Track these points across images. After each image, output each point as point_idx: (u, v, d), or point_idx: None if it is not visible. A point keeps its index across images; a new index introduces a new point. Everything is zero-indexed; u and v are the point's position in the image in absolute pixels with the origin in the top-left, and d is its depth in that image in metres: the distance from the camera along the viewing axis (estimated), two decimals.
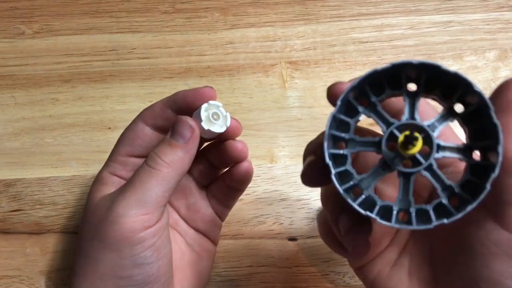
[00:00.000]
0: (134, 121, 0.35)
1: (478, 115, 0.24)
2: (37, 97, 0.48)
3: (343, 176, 0.25)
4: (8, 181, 0.45)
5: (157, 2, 0.52)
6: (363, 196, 0.25)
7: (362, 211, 0.24)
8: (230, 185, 0.38)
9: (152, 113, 0.35)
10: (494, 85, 0.48)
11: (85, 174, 0.45)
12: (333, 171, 0.24)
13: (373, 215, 0.24)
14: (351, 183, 0.25)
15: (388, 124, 0.25)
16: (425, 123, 0.25)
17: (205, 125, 0.33)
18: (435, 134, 0.24)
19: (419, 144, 0.23)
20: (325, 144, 0.24)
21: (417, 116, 0.25)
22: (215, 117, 0.34)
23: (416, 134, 0.23)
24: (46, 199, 0.44)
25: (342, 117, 0.26)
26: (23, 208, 0.44)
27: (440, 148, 0.25)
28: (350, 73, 0.49)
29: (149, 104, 0.47)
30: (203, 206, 0.38)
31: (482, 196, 0.22)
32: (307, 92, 0.48)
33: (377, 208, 0.25)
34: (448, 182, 0.24)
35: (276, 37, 0.50)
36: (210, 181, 0.39)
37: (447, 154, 0.25)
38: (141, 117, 0.35)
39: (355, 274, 0.41)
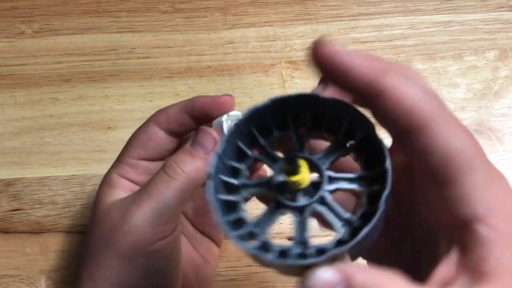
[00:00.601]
0: (147, 123, 0.34)
1: (368, 141, 0.23)
2: (37, 97, 0.48)
3: (239, 222, 0.23)
4: (8, 180, 0.45)
5: (157, 2, 0.52)
6: (257, 243, 0.22)
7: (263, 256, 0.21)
8: None
9: (167, 117, 0.34)
10: (494, 85, 0.48)
11: (85, 173, 0.45)
12: (221, 220, 0.22)
13: (271, 258, 0.21)
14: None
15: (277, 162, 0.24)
16: (315, 156, 0.23)
17: (227, 132, 0.32)
18: (325, 167, 0.23)
19: (304, 172, 0.22)
20: (210, 190, 0.22)
21: (306, 152, 0.24)
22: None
23: (301, 161, 0.22)
24: (46, 198, 0.44)
25: (233, 163, 0.24)
26: (23, 207, 0.44)
27: (332, 179, 0.23)
28: None
29: (149, 104, 0.48)
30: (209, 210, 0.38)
31: (375, 219, 0.21)
32: None
33: (275, 253, 0.22)
34: (346, 215, 0.23)
35: (276, 37, 0.51)
36: None
37: (342, 185, 0.23)
38: (155, 119, 0.34)
39: None
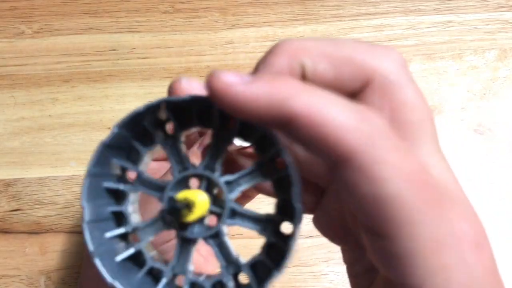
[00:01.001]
0: None
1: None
2: (36, 97, 0.48)
3: (121, 217, 0.21)
4: (8, 180, 0.45)
5: (156, 2, 0.52)
6: (131, 251, 0.20)
7: (108, 278, 0.19)
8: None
9: None
10: (493, 85, 0.48)
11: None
12: (85, 206, 0.20)
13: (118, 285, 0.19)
14: (124, 230, 0.21)
15: (182, 167, 0.20)
16: (225, 178, 0.20)
17: None
18: (233, 195, 0.20)
19: (196, 213, 0.19)
20: (90, 167, 0.20)
21: (218, 166, 0.20)
22: None
23: (191, 201, 0.19)
24: (46, 198, 0.44)
25: (135, 143, 0.21)
26: (23, 207, 0.44)
27: (235, 214, 0.20)
28: None
29: None
30: None
31: (270, 281, 0.19)
32: None
33: (144, 269, 0.20)
34: (235, 256, 0.20)
35: (276, 37, 0.51)
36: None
37: (242, 223, 0.20)
38: None
39: None
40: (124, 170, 0.21)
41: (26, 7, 0.52)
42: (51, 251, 0.43)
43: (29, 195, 0.44)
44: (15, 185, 0.45)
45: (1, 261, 0.42)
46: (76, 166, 0.45)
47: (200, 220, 0.20)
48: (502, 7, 0.52)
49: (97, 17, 0.51)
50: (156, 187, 0.20)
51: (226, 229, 0.20)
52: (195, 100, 0.19)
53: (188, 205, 0.19)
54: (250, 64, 0.49)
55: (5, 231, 0.43)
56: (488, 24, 0.51)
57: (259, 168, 0.20)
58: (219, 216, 0.20)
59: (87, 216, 0.20)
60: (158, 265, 0.20)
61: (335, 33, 0.51)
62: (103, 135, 0.46)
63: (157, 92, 0.48)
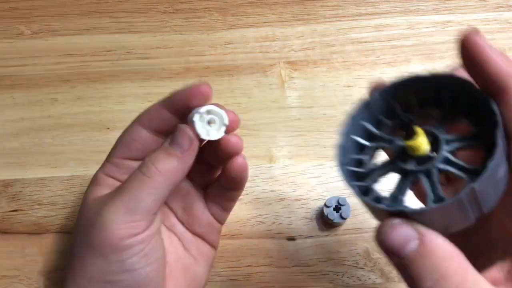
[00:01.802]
0: (132, 124, 0.35)
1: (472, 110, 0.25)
2: (36, 97, 0.48)
3: (360, 162, 0.27)
4: (7, 181, 0.45)
5: (156, 2, 0.52)
6: (367, 183, 0.26)
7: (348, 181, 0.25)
8: (226, 185, 0.37)
9: (149, 116, 0.34)
10: None
11: (84, 174, 0.45)
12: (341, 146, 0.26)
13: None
14: (363, 170, 0.27)
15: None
16: (446, 136, 0.25)
17: (203, 135, 0.32)
18: (448, 148, 0.24)
19: (419, 140, 0.24)
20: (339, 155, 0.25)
21: (441, 129, 0.25)
22: (210, 123, 0.32)
23: (417, 128, 0.24)
24: (45, 199, 0.44)
25: (380, 117, 0.27)
26: (22, 208, 0.44)
27: (449, 162, 0.24)
28: (348, 73, 0.49)
29: (148, 104, 0.47)
30: (200, 209, 0.37)
31: (496, 153, 0.22)
32: (306, 92, 0.48)
33: (371, 196, 0.25)
34: (470, 167, 0.24)
35: (275, 37, 0.51)
36: (207, 182, 0.38)
37: (452, 169, 0.24)
38: (138, 119, 0.34)
39: (353, 274, 0.41)
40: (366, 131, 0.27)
41: (25, 7, 0.52)
42: (50, 252, 0.43)
43: (29, 195, 0.44)
44: (15, 186, 0.45)
45: (0, 262, 0.42)
46: (75, 166, 0.45)
47: (423, 158, 0.25)
48: (501, 7, 0.52)
49: (96, 17, 0.51)
50: (388, 141, 0.27)
51: (436, 171, 0.24)
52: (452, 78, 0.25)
53: (416, 136, 0.24)
54: (250, 65, 0.49)
55: (5, 232, 0.43)
56: (487, 24, 0.51)
57: (472, 137, 0.25)
58: (437, 148, 0.25)
59: (341, 157, 0.26)
60: (381, 194, 0.26)
61: (334, 33, 0.51)
62: (103, 135, 0.47)
63: (157, 92, 0.48)
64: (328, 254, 0.42)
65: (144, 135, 0.34)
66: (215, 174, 0.38)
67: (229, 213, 0.39)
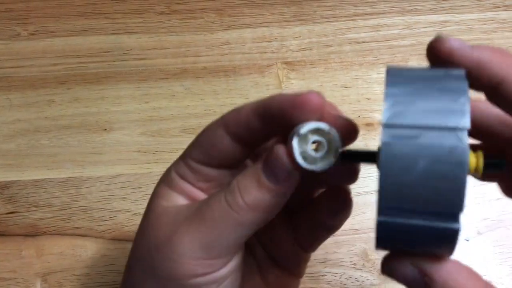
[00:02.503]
0: (214, 125, 0.27)
1: None
2: (32, 99, 0.48)
3: None
4: (3, 183, 0.45)
5: (153, 3, 0.52)
6: None
7: None
8: (319, 218, 0.29)
9: (237, 122, 0.26)
10: None
11: (80, 175, 0.45)
12: None
13: None
14: None
15: None
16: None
17: (304, 164, 0.23)
18: None
19: None
20: None
21: None
22: (316, 147, 0.24)
23: None
24: (42, 201, 0.44)
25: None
26: (19, 210, 0.44)
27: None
28: (346, 73, 0.49)
29: (145, 105, 0.48)
30: (282, 236, 0.30)
31: None
32: None
33: None
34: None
35: (272, 38, 0.50)
36: (295, 204, 0.29)
37: None
38: (223, 122, 0.27)
39: (351, 275, 0.41)
40: None
41: (21, 9, 0.52)
42: (47, 254, 0.42)
43: (25, 197, 0.44)
44: (11, 188, 0.45)
45: None
46: (72, 168, 0.45)
47: None
48: (498, 6, 0.52)
49: (93, 18, 0.51)
50: None
51: None
52: None
53: None
54: (247, 65, 0.49)
55: (1, 234, 0.43)
56: (484, 24, 0.51)
57: None
58: None
59: None
60: None
61: (331, 33, 0.51)
62: (100, 137, 0.46)
63: (154, 93, 0.48)
64: (326, 255, 0.42)
65: (227, 143, 0.27)
66: (307, 196, 0.31)
67: (321, 242, 0.31)
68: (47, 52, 0.50)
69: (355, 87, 0.48)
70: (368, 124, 0.47)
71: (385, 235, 0.20)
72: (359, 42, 0.50)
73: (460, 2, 0.52)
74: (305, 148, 0.23)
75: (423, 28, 0.51)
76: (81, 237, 0.43)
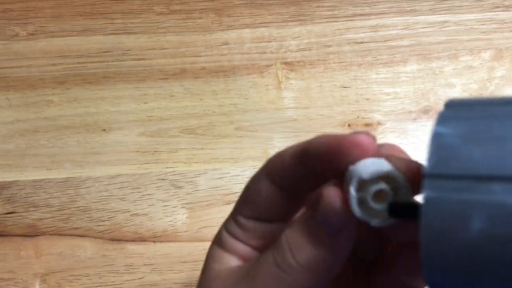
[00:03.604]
0: (258, 175, 0.24)
1: None
2: (31, 99, 0.48)
3: None
4: (2, 183, 0.45)
5: (152, 3, 0.52)
6: None
7: None
8: (396, 276, 0.24)
9: (282, 167, 0.23)
10: (489, 85, 0.48)
11: (79, 176, 0.45)
12: None
13: None
14: None
15: None
16: None
17: (360, 214, 0.19)
18: None
19: None
20: None
21: None
22: (379, 197, 0.19)
23: None
24: (41, 201, 0.44)
25: None
26: (17, 210, 0.44)
27: None
28: (345, 73, 0.49)
29: (144, 105, 0.48)
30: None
31: None
32: (303, 93, 0.48)
33: None
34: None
35: (271, 38, 0.50)
36: (369, 255, 0.26)
37: None
38: (267, 171, 0.24)
39: None
40: None
41: (20, 9, 0.52)
42: (46, 254, 0.42)
43: (24, 197, 0.44)
44: (10, 188, 0.45)
45: None
46: (71, 168, 0.45)
47: None
48: (497, 7, 0.52)
49: (91, 18, 0.51)
50: None
51: None
52: None
53: None
54: (246, 65, 0.49)
55: (0, 234, 0.43)
56: (483, 24, 0.51)
57: None
58: None
59: None
60: None
61: (330, 33, 0.50)
62: (98, 137, 0.46)
63: (153, 93, 0.48)
64: None
65: (273, 193, 0.23)
66: (382, 248, 0.26)
67: None
68: (46, 52, 0.50)
69: (354, 87, 0.48)
70: (368, 125, 0.47)
71: None
72: (358, 43, 0.50)
73: (459, 2, 0.52)
74: (364, 195, 0.19)
75: (422, 28, 0.51)
76: (80, 237, 0.43)
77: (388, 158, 0.20)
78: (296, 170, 0.22)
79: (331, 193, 0.20)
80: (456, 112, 0.16)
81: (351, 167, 0.19)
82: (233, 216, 0.25)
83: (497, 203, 0.14)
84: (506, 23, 0.51)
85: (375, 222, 0.19)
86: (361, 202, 0.19)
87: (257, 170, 0.24)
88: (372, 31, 0.51)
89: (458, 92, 0.48)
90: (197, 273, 0.26)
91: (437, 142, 0.16)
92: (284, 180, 0.23)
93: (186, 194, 0.44)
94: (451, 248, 0.15)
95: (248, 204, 0.24)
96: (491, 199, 0.14)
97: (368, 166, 0.19)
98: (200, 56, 0.50)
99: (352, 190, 0.19)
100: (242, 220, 0.25)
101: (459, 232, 0.14)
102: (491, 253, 0.14)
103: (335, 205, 0.20)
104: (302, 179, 0.22)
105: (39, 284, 0.42)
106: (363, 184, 0.19)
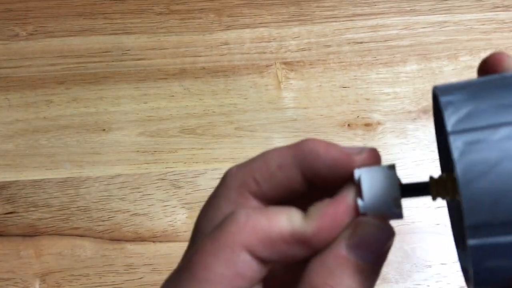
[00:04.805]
0: (230, 248, 0.19)
1: None
2: (31, 99, 0.48)
3: None
4: (2, 183, 0.45)
5: (151, 4, 0.52)
6: None
7: None
8: None
9: (269, 176, 0.21)
10: None
11: (79, 176, 0.45)
12: None
13: None
14: None
15: None
16: None
17: (400, 212, 0.19)
18: None
19: None
20: None
21: None
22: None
23: None
24: (40, 201, 0.44)
25: None
26: (17, 210, 0.44)
27: None
28: (345, 73, 0.49)
29: (143, 105, 0.48)
30: None
31: None
32: (302, 93, 0.48)
33: None
34: None
35: (271, 38, 0.50)
36: None
37: None
38: (243, 242, 0.19)
39: None
40: None
41: (20, 9, 0.52)
42: (46, 254, 0.42)
43: (24, 197, 0.44)
44: (10, 188, 0.44)
45: None
46: (70, 168, 0.45)
47: None
48: (497, 7, 0.52)
49: (91, 19, 0.51)
50: None
51: None
52: None
53: None
54: (246, 65, 0.49)
55: (0, 234, 0.43)
56: (483, 24, 0.51)
57: None
58: None
59: None
60: None
61: (330, 33, 0.50)
62: (98, 137, 0.46)
63: (153, 93, 0.48)
64: None
65: (255, 267, 0.19)
66: None
67: None
68: (45, 52, 0.50)
69: (354, 87, 0.48)
70: (367, 125, 0.47)
71: (481, 265, 0.16)
72: (358, 43, 0.50)
73: (459, 2, 0.52)
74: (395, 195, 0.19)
75: (422, 28, 0.51)
76: (80, 237, 0.43)
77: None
78: (293, 176, 0.20)
79: (372, 224, 0.19)
80: (451, 87, 0.18)
81: (359, 175, 0.19)
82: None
83: None
84: (506, 23, 0.51)
85: (400, 213, 0.19)
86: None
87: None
88: (372, 31, 0.51)
89: None
90: None
91: (449, 107, 0.17)
92: (272, 185, 0.21)
93: (186, 194, 0.44)
94: (489, 192, 0.15)
95: None
96: None
97: (387, 171, 0.19)
98: (200, 56, 0.50)
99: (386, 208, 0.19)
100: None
101: (493, 174, 0.15)
102: None
103: (373, 224, 0.19)
104: (295, 185, 0.21)
105: (39, 284, 0.41)
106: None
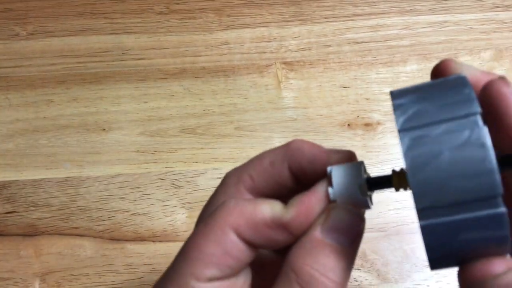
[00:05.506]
0: (220, 228, 0.21)
1: None
2: (31, 99, 0.48)
3: None
4: (2, 183, 0.45)
5: (152, 3, 0.52)
6: None
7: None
8: None
9: (264, 173, 0.24)
10: None
11: (79, 175, 0.45)
12: None
13: None
14: None
15: None
16: None
17: (371, 204, 0.22)
18: None
19: None
20: None
21: None
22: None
23: None
24: (40, 200, 0.44)
25: None
26: (17, 210, 0.44)
27: None
28: (345, 73, 0.49)
29: (144, 105, 0.48)
30: None
31: None
32: (302, 93, 0.48)
33: None
34: None
35: (271, 38, 0.50)
36: None
37: None
38: (231, 224, 0.21)
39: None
40: None
41: (20, 8, 0.52)
42: (46, 254, 0.42)
43: (24, 197, 0.44)
44: (10, 187, 0.45)
45: None
46: (71, 167, 0.45)
47: None
48: (497, 7, 0.52)
49: (92, 18, 0.51)
50: None
51: None
52: None
53: None
54: (246, 65, 0.49)
55: (0, 234, 0.43)
56: (483, 24, 0.51)
57: None
58: None
59: None
60: None
61: (330, 33, 0.50)
62: (98, 136, 0.46)
63: (153, 93, 0.48)
64: None
65: (242, 247, 0.22)
66: None
67: None
68: (46, 51, 0.50)
69: (354, 87, 0.48)
70: (367, 124, 0.47)
71: (433, 241, 0.19)
72: (358, 42, 0.50)
73: (459, 2, 0.52)
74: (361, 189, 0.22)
75: (422, 28, 0.51)
76: (80, 237, 0.43)
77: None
78: (283, 172, 0.23)
79: (342, 207, 0.22)
80: (404, 91, 0.21)
81: (331, 172, 0.22)
82: (182, 282, 0.22)
83: (455, 134, 0.18)
84: (506, 23, 0.51)
85: (366, 200, 0.22)
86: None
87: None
88: (372, 31, 0.51)
89: None
90: None
91: (400, 109, 0.20)
92: (265, 181, 0.24)
93: (186, 193, 0.44)
94: (433, 178, 0.18)
95: (208, 264, 0.21)
96: (450, 133, 0.19)
97: (356, 166, 0.22)
98: (200, 56, 0.50)
99: (359, 194, 0.22)
100: (200, 286, 0.22)
101: (435, 163, 0.18)
102: (461, 175, 0.18)
103: (347, 209, 0.22)
104: (285, 182, 0.24)
105: (39, 284, 0.41)
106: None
